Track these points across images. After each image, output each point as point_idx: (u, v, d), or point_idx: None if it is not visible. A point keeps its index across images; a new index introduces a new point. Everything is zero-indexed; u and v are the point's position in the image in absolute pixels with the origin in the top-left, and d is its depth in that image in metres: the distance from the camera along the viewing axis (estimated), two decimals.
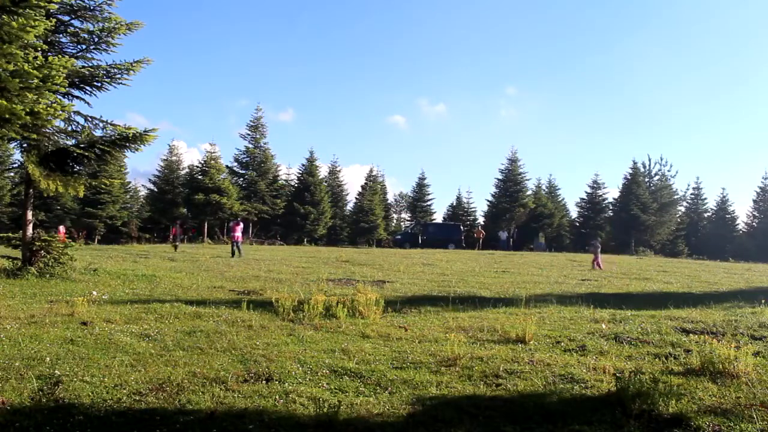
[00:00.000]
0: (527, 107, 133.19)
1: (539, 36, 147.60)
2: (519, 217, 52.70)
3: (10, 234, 16.34)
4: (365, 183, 59.21)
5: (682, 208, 58.71)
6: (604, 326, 9.31)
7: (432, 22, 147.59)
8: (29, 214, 15.52)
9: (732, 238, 54.84)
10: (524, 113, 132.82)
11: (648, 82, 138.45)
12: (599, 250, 25.59)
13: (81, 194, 15.46)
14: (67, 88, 14.24)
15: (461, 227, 49.03)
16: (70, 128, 15.42)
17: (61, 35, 15.12)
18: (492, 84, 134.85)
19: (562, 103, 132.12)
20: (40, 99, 10.82)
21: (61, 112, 11.39)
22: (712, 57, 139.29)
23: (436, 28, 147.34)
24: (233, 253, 25.38)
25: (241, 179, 50.75)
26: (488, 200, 56.94)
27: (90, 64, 15.23)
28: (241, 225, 27.25)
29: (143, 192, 55.45)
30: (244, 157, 51.08)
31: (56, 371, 6.16)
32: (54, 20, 14.21)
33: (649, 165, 56.74)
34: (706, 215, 59.18)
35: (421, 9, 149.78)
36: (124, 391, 5.61)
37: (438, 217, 60.63)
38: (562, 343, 8.10)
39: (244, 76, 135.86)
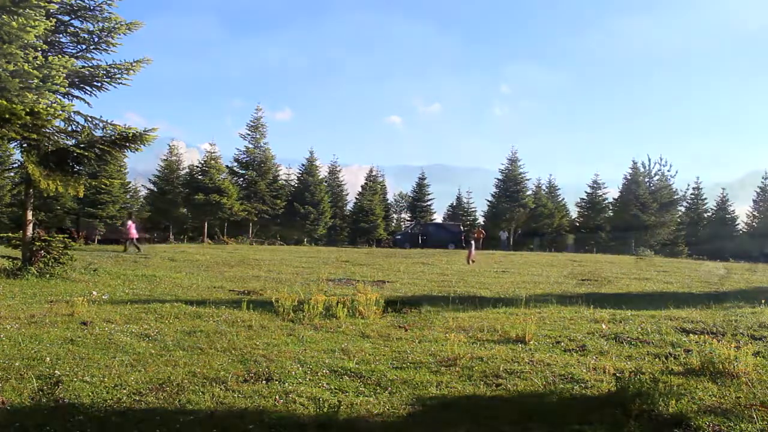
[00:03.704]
0: (523, 105, 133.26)
1: (534, 35, 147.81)
2: (519, 217, 52.71)
3: (10, 234, 16.33)
4: (365, 183, 59.19)
5: (682, 208, 58.69)
6: (604, 326, 9.30)
7: (428, 20, 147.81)
8: (29, 214, 15.52)
9: (732, 238, 54.80)
10: (520, 111, 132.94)
11: (649, 81, 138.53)
12: (473, 245, 27.28)
13: (81, 194, 15.47)
14: (67, 88, 14.24)
15: (461, 227, 49.01)
16: (70, 128, 15.42)
17: (61, 35, 15.12)
18: (487, 82, 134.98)
19: (560, 102, 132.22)
20: (40, 99, 10.82)
21: (61, 112, 11.39)
22: (712, 56, 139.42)
23: (431, 25, 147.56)
24: (138, 249, 26.27)
25: (241, 179, 50.74)
26: (488, 200, 56.94)
27: (90, 64, 15.24)
28: (135, 223, 28.29)
29: (143, 192, 55.37)
30: (244, 157, 51.07)
31: (56, 371, 6.16)
32: (54, 20, 14.20)
33: (649, 165, 56.74)
34: (706, 215, 59.15)
35: (416, 8, 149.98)
36: (124, 391, 5.61)
37: (438, 217, 60.60)
38: (562, 343, 8.09)
39: (244, 77, 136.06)
